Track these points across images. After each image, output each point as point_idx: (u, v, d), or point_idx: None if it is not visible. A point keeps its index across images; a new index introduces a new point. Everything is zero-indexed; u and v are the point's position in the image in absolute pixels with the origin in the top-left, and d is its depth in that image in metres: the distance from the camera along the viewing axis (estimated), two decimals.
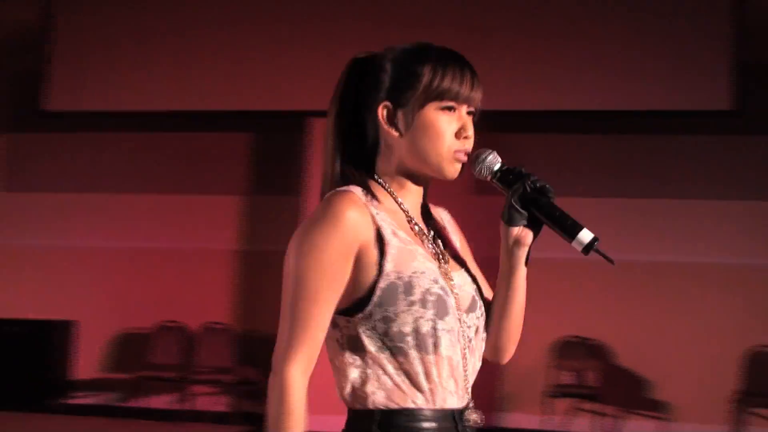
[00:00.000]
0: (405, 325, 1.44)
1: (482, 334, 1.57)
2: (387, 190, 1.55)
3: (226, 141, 7.83)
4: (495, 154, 1.54)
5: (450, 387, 1.48)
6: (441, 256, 1.56)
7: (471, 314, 1.54)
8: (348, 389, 1.48)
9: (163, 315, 7.62)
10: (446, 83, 1.50)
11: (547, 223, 1.51)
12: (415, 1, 7.08)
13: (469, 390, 1.53)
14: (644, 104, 6.69)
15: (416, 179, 1.56)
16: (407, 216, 1.56)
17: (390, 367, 1.46)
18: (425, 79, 1.50)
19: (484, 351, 1.59)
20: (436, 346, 1.46)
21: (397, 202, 1.55)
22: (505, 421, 7.22)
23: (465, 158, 1.52)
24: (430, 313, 1.45)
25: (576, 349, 7.07)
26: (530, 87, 6.81)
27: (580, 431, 6.99)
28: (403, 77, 1.52)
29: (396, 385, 1.46)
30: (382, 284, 1.44)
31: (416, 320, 1.45)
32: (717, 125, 6.94)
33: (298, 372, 1.41)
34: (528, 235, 1.53)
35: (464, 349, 1.51)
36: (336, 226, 1.43)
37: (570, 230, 1.47)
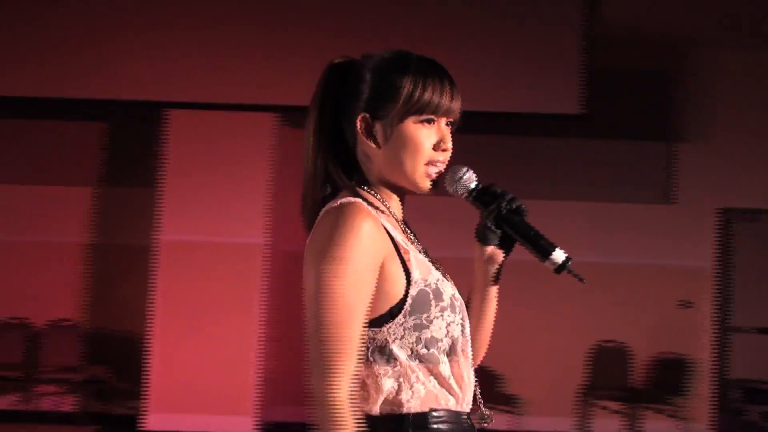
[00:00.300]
0: (438, 330, 1.47)
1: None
2: (378, 199, 1.54)
3: (79, 130, 7.58)
4: (471, 172, 1.54)
5: (471, 387, 1.54)
6: (434, 262, 1.56)
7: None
8: (381, 400, 1.46)
9: (6, 311, 7.33)
10: (426, 96, 1.49)
11: (521, 242, 1.53)
12: None
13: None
14: (498, 106, 6.82)
15: (397, 189, 1.55)
16: (399, 224, 1.55)
17: (421, 374, 1.47)
18: (405, 92, 1.49)
19: None
20: (463, 349, 1.52)
21: (389, 211, 1.54)
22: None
23: (438, 172, 1.52)
24: (458, 318, 1.50)
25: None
26: None
27: None
28: (382, 89, 1.50)
29: (429, 390, 1.47)
30: (413, 292, 1.46)
31: (449, 325, 1.49)
32: (567, 128, 7.17)
33: (346, 393, 1.41)
34: (500, 254, 1.57)
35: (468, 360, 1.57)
36: (360, 238, 1.42)
37: (543, 250, 1.50)
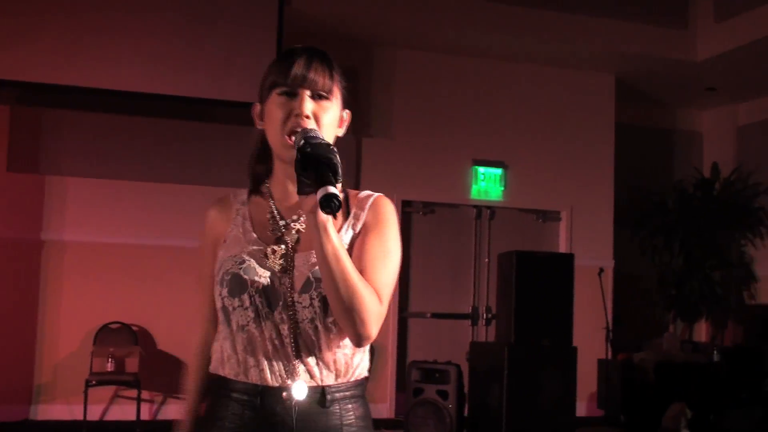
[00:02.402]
0: (216, 301, 1.68)
1: (325, 315, 1.62)
2: (266, 185, 1.74)
3: None
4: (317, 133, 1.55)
5: (250, 362, 1.64)
6: (279, 240, 1.67)
7: (304, 294, 1.61)
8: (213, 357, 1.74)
9: None
10: (280, 70, 1.64)
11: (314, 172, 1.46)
12: None
13: (306, 370, 1.62)
14: (194, 92, 6.85)
15: (283, 167, 1.68)
16: (272, 208, 1.71)
17: (218, 337, 1.72)
18: (268, 73, 1.68)
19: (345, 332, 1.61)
20: (229, 321, 1.65)
21: (270, 195, 1.73)
22: (46, 412, 6.89)
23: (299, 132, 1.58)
24: (224, 291, 1.64)
25: (116, 336, 7.00)
26: (83, 63, 6.57)
27: (124, 419, 6.92)
28: (262, 78, 1.70)
29: (218, 353, 1.70)
30: (215, 267, 1.70)
31: (217, 297, 1.67)
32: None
33: (196, 343, 1.84)
34: (309, 201, 1.48)
35: (291, 327, 1.61)
36: (204, 224, 1.78)
37: (320, 180, 1.44)
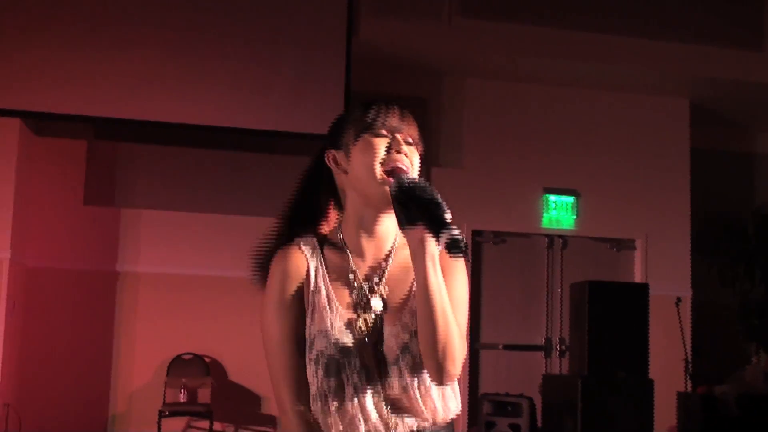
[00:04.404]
0: (309, 377, 1.69)
1: (408, 379, 1.66)
2: (339, 238, 1.75)
3: None
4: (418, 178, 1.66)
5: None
6: (365, 307, 1.69)
7: (394, 366, 1.66)
8: None
9: None
10: (373, 117, 1.72)
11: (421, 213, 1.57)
12: None
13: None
14: (261, 124, 6.97)
15: (368, 220, 1.72)
16: (351, 265, 1.72)
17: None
18: (355, 117, 1.75)
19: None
20: (326, 399, 1.66)
21: (345, 249, 1.73)
22: None
23: (397, 172, 1.65)
24: (320, 372, 1.65)
25: (189, 367, 7.13)
26: (159, 98, 6.78)
27: None
28: (336, 125, 1.79)
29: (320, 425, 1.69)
30: (308, 336, 1.69)
31: (311, 375, 1.67)
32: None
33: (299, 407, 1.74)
34: (416, 233, 1.58)
35: (384, 398, 1.66)
36: (274, 277, 1.73)
37: (436, 220, 1.54)
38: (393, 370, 1.66)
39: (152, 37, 6.82)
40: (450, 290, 1.65)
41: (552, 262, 8.16)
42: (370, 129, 1.72)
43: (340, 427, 1.64)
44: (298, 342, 1.69)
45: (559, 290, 8.07)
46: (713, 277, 8.47)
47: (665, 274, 8.08)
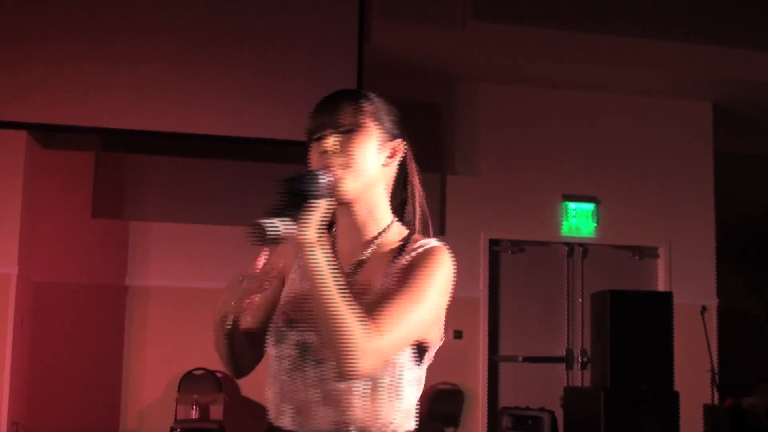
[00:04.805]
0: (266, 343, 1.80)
1: (324, 371, 1.68)
2: (332, 234, 1.82)
3: None
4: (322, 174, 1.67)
5: (283, 408, 1.70)
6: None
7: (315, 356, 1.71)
8: None
9: None
10: (310, 119, 1.78)
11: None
12: None
13: (332, 422, 1.65)
14: (279, 133, 6.87)
15: (342, 213, 1.76)
16: (333, 249, 1.77)
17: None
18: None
19: None
20: (271, 370, 1.74)
21: (329, 234, 1.80)
22: None
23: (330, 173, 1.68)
24: (271, 340, 1.74)
25: (201, 383, 7.05)
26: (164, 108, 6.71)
27: None
28: None
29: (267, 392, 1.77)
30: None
31: (268, 341, 1.77)
32: None
33: None
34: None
35: (316, 381, 1.68)
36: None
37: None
38: (311, 362, 1.68)
39: (160, 47, 6.76)
40: (390, 285, 1.65)
41: (572, 271, 8.04)
42: (308, 137, 1.78)
43: (272, 395, 1.73)
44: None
45: (580, 300, 7.94)
46: (739, 284, 8.33)
47: (689, 282, 7.94)
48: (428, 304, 1.63)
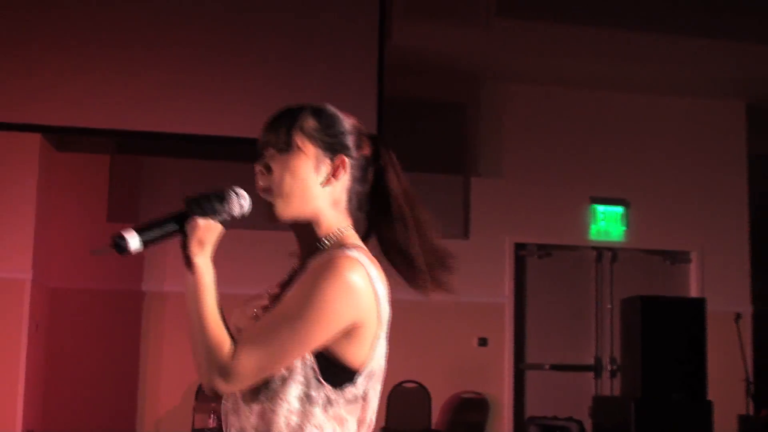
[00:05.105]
0: None
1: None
2: None
3: None
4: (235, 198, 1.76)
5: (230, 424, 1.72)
6: (268, 307, 1.72)
7: None
8: None
9: None
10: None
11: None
12: None
13: None
14: None
15: (294, 234, 1.81)
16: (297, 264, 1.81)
17: None
18: None
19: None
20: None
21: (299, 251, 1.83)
22: None
23: (265, 196, 1.76)
24: None
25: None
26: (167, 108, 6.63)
27: None
28: None
29: None
30: None
31: None
32: None
33: None
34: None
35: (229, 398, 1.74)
36: None
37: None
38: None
39: (175, 48, 6.67)
40: (283, 298, 1.66)
41: (601, 277, 7.89)
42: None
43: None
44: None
45: (609, 306, 7.79)
46: None
47: (723, 288, 7.76)
48: (301, 322, 1.60)
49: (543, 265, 7.82)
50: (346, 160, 1.76)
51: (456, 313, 7.24)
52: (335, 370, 1.65)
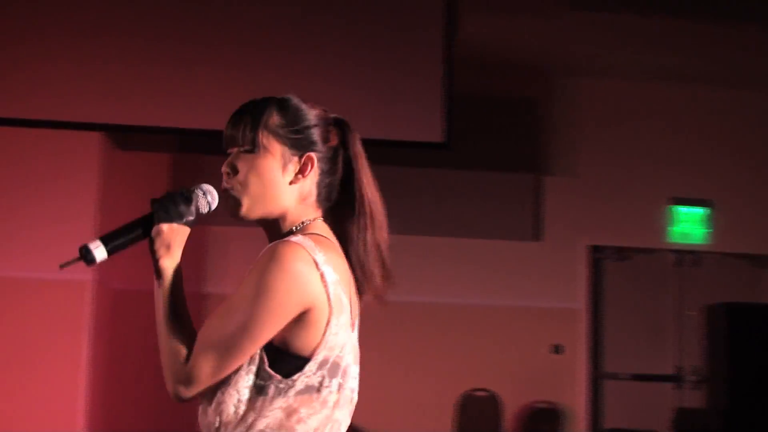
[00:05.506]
0: None
1: None
2: None
3: None
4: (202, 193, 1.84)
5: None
6: None
7: None
8: None
9: None
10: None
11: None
12: None
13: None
14: (360, 132, 6.65)
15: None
16: None
17: None
18: None
19: None
20: None
21: None
22: None
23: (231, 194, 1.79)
24: None
25: None
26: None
27: None
28: None
29: None
30: None
31: None
32: (426, 157, 7.11)
33: None
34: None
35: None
36: None
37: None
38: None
39: (240, 46, 6.58)
40: (234, 293, 1.68)
41: (682, 282, 7.68)
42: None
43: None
44: None
45: (692, 313, 7.50)
46: None
47: None
48: (248, 318, 1.60)
49: (620, 269, 7.66)
50: (314, 156, 1.77)
51: (527, 319, 7.14)
52: (284, 359, 1.63)
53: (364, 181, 1.82)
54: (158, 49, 6.47)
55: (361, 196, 1.80)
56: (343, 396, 1.67)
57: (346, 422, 1.72)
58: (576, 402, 7.24)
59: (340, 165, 1.82)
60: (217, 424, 1.65)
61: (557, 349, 7.16)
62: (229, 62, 6.54)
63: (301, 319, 1.62)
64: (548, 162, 7.49)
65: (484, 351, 6.99)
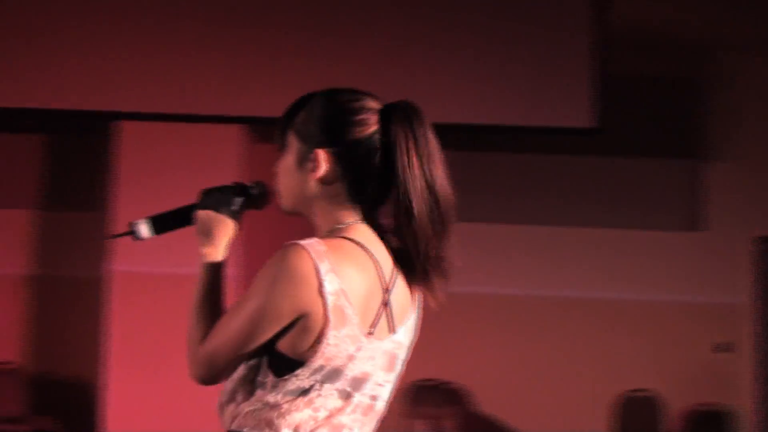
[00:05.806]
0: None
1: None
2: None
3: (15, 144, 7.15)
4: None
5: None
6: None
7: None
8: None
9: None
10: None
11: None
12: None
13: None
14: (498, 119, 6.64)
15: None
16: None
17: None
18: None
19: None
20: None
21: None
22: None
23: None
24: None
25: (431, 395, 6.86)
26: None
27: None
28: None
29: None
30: None
31: None
32: (577, 144, 6.94)
33: None
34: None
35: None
36: None
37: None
38: None
39: (373, 36, 6.62)
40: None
41: None
42: None
43: None
44: None
45: None
46: None
47: None
48: (247, 313, 1.66)
49: None
50: (325, 151, 1.73)
51: (688, 315, 6.88)
52: (280, 359, 1.67)
53: (407, 172, 1.70)
54: (298, 39, 6.57)
55: (402, 191, 1.70)
56: (351, 403, 1.69)
57: (366, 428, 1.73)
58: (743, 404, 6.92)
59: (377, 158, 1.72)
60: (218, 405, 1.77)
61: (725, 347, 6.86)
62: (366, 45, 6.61)
63: (296, 325, 1.64)
64: (710, 146, 7.15)
65: (641, 350, 6.81)
